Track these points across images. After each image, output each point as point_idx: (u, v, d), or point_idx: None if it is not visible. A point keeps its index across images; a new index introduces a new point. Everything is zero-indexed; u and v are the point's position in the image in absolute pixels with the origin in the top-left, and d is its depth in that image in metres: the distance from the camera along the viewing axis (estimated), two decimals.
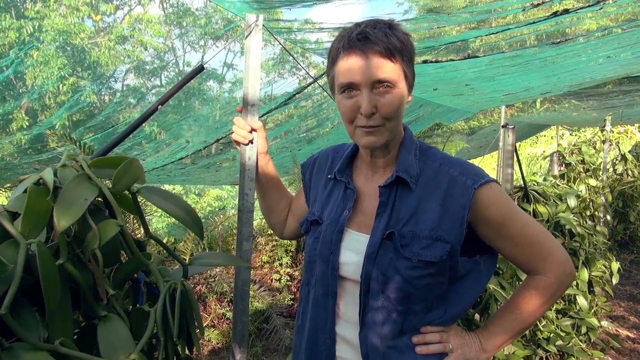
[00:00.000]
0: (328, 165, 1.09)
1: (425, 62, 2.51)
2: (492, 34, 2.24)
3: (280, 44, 1.84)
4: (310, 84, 3.13)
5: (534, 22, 2.14)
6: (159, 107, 1.27)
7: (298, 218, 1.19)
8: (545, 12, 2.14)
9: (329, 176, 1.07)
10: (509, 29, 2.19)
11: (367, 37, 0.85)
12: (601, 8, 2.14)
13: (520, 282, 2.09)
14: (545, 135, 13.06)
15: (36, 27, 8.69)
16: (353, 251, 0.95)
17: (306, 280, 1.06)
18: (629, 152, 5.84)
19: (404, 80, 0.90)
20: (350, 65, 0.87)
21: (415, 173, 0.93)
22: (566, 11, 2.01)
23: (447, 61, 2.53)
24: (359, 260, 0.93)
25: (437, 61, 2.53)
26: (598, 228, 3.35)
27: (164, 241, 1.29)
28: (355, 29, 0.88)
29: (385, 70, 0.86)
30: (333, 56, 0.92)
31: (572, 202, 2.81)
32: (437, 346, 0.92)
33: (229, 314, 3.50)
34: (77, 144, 2.05)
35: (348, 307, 0.96)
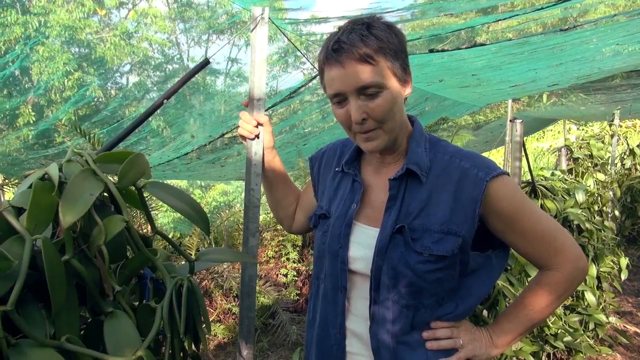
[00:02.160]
0: (336, 158, 1.08)
1: (431, 50, 2.48)
2: (500, 20, 2.21)
3: (287, 37, 1.83)
4: (314, 77, 3.11)
5: (541, 8, 2.09)
6: (165, 101, 1.26)
7: (307, 212, 1.18)
8: None
9: (337, 169, 1.06)
10: (517, 14, 2.16)
11: (341, 46, 0.84)
12: None
13: (529, 278, 2.08)
14: (551, 130, 12.97)
15: (41, 23, 8.70)
16: (362, 245, 0.94)
17: (316, 275, 1.05)
18: (637, 146, 5.77)
19: (392, 78, 0.87)
20: (332, 76, 0.87)
21: (426, 166, 0.92)
22: None
23: (453, 50, 2.49)
24: (368, 254, 0.92)
25: (443, 50, 2.50)
26: (606, 223, 3.31)
27: (170, 236, 1.29)
28: (332, 38, 0.87)
29: (366, 76, 0.84)
30: (319, 68, 0.92)
31: (580, 197, 2.78)
32: (448, 342, 0.92)
33: (235, 309, 3.50)
34: (87, 136, 2.04)
35: (358, 302, 0.95)
